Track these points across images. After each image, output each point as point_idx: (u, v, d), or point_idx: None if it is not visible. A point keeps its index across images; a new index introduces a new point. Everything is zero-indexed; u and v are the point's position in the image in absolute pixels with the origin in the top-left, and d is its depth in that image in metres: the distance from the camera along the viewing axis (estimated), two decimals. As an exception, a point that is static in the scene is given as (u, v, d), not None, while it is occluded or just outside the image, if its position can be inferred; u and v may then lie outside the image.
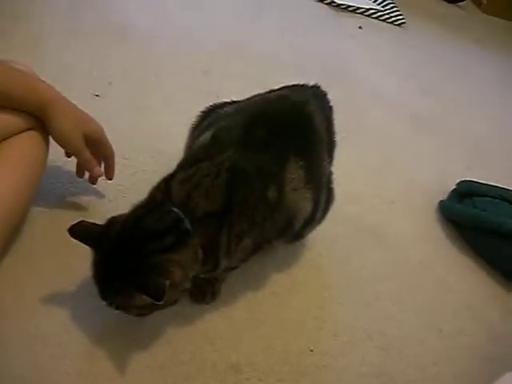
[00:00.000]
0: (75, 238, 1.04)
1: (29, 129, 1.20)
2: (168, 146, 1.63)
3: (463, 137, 2.33)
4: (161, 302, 0.96)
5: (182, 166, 1.16)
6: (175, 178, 1.10)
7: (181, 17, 2.38)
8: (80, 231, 1.05)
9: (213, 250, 1.07)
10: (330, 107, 1.39)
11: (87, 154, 1.27)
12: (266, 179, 1.13)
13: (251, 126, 1.18)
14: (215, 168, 1.09)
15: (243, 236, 1.11)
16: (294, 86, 1.40)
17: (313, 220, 1.31)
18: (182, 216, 1.03)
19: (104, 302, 1.04)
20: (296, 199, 1.19)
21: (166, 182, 1.11)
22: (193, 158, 1.16)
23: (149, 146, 1.63)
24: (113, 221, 1.05)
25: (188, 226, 1.03)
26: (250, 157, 1.13)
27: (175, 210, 1.04)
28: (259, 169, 1.12)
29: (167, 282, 0.96)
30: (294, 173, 1.18)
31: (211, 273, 1.15)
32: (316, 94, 1.37)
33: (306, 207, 1.23)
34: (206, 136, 1.20)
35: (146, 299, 0.97)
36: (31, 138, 1.20)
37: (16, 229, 1.23)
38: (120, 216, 1.06)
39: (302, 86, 1.40)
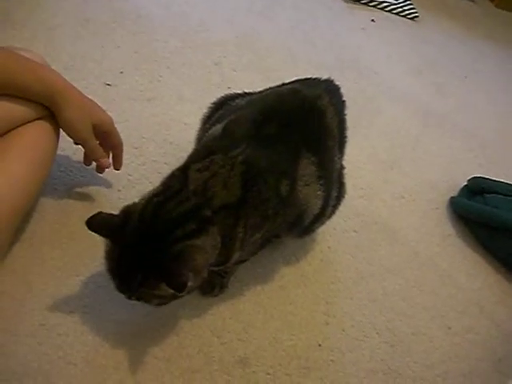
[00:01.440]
0: (93, 231, 1.01)
1: (39, 118, 1.19)
2: (179, 137, 1.62)
3: (475, 133, 2.32)
4: (183, 294, 0.96)
5: (194, 158, 1.14)
6: (191, 168, 1.09)
7: (194, 8, 2.37)
8: (97, 223, 1.02)
9: (228, 241, 1.06)
10: (343, 102, 1.37)
11: (94, 143, 1.26)
12: (278, 174, 1.12)
13: (263, 122, 1.17)
14: (230, 160, 1.08)
15: (256, 229, 1.10)
16: (306, 79, 1.39)
17: (323, 215, 1.31)
18: (202, 203, 1.02)
19: (123, 295, 1.02)
20: (307, 195, 1.18)
21: (182, 171, 1.10)
22: (205, 150, 1.14)
23: (159, 137, 1.62)
24: (128, 210, 1.03)
25: (208, 212, 1.02)
26: (263, 152, 1.11)
27: (194, 197, 1.03)
28: (272, 163, 1.11)
29: (191, 274, 0.95)
30: (306, 169, 1.17)
31: (221, 266, 1.14)
32: (329, 88, 1.36)
33: (317, 203, 1.22)
34: (218, 128, 1.19)
35: (168, 289, 0.96)
36: (41, 128, 1.19)
37: (25, 217, 1.23)
38: (135, 205, 1.04)
39: (315, 79, 1.38)
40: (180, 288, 0.94)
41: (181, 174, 1.09)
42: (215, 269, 1.15)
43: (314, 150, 1.19)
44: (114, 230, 1.00)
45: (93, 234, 1.00)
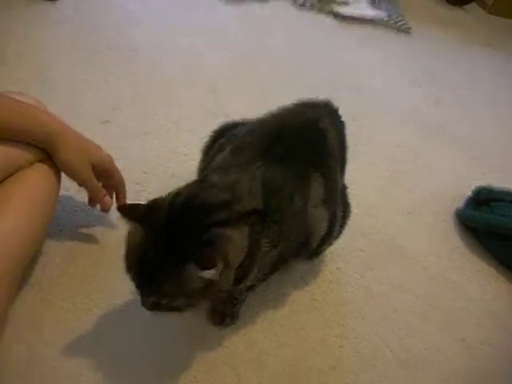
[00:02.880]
0: (123, 215, 0.99)
1: (39, 162, 1.20)
2: (179, 168, 1.63)
3: (476, 142, 2.31)
4: (211, 270, 0.92)
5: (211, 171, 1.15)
6: (212, 175, 1.09)
7: (185, 38, 2.39)
8: (127, 208, 1.03)
9: (253, 250, 1.04)
10: (342, 122, 1.38)
11: (95, 184, 1.27)
12: (292, 190, 1.12)
13: (271, 143, 1.17)
14: (249, 173, 1.08)
15: (273, 244, 1.09)
16: (305, 102, 1.39)
17: (330, 236, 1.31)
18: (234, 199, 1.01)
19: (143, 297, 0.98)
20: (315, 217, 1.19)
21: (204, 177, 1.10)
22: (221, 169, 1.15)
23: (160, 170, 1.63)
24: (157, 201, 1.02)
25: (241, 208, 1.01)
26: (276, 169, 1.11)
27: (225, 193, 1.02)
28: (286, 180, 1.11)
29: (219, 265, 0.94)
30: (314, 190, 1.18)
31: (237, 284, 1.11)
32: (328, 109, 1.37)
33: (323, 226, 1.23)
34: (224, 154, 1.20)
35: (194, 279, 0.94)
36: (40, 171, 1.20)
37: (33, 261, 1.23)
38: (163, 197, 1.03)
39: (314, 101, 1.39)
40: (209, 263, 0.92)
41: (204, 178, 1.10)
42: (228, 290, 1.13)
43: (321, 171, 1.20)
44: (143, 215, 0.99)
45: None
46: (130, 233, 1.00)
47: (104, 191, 1.31)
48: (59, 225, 1.38)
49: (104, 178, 1.30)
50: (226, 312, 1.28)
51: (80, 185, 1.27)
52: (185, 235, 0.96)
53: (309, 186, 1.17)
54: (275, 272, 1.23)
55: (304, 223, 1.17)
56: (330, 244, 1.38)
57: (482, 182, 1.92)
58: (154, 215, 0.98)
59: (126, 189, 1.37)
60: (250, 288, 1.24)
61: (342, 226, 1.38)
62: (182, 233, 0.96)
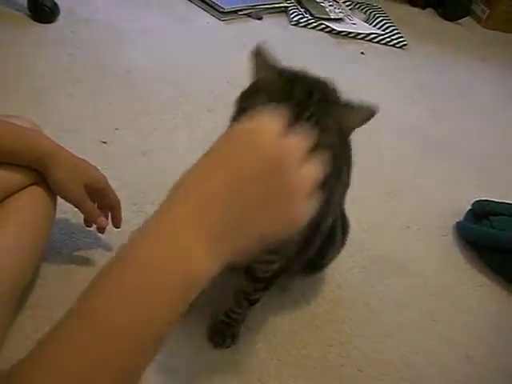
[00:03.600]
0: None
1: (32, 184, 1.19)
2: (177, 188, 1.62)
3: (474, 155, 2.32)
4: None
5: None
6: None
7: (182, 57, 2.40)
8: None
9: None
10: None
11: (89, 204, 1.25)
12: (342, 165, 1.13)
13: None
14: None
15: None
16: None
17: (332, 245, 1.32)
18: None
19: None
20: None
21: None
22: None
23: (158, 192, 1.60)
24: None
25: None
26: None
27: None
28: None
29: None
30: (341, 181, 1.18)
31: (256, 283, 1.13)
32: None
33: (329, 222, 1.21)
34: None
35: None
36: (36, 194, 1.19)
37: (28, 285, 1.22)
38: None
39: None
40: None
41: None
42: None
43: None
44: None
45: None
46: None
47: (98, 211, 1.30)
48: (56, 247, 1.36)
49: (98, 198, 1.29)
50: (226, 333, 1.27)
51: (74, 205, 1.26)
52: None
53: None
54: (277, 278, 1.22)
55: (327, 203, 1.13)
56: (334, 256, 1.37)
57: (482, 195, 1.92)
58: None
59: (124, 209, 1.36)
60: (251, 302, 1.23)
61: (343, 239, 1.37)
62: None
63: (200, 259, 0.57)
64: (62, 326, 0.54)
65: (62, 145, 1.19)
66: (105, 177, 1.28)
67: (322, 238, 1.23)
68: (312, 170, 0.62)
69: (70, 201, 1.23)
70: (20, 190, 1.17)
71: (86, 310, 0.55)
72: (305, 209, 0.61)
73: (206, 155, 0.64)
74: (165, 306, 0.55)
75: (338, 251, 1.38)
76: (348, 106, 1.04)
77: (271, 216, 0.61)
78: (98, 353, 0.51)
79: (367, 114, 1.03)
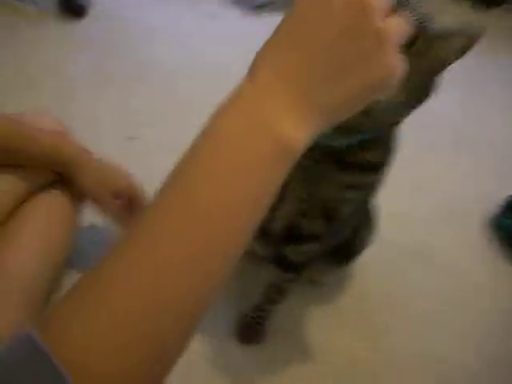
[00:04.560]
0: None
1: (56, 186, 1.17)
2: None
3: (502, 150, 2.26)
4: None
5: None
6: None
7: (207, 51, 2.41)
8: None
9: None
10: None
11: (115, 209, 1.22)
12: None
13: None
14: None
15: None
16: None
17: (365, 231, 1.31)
18: None
19: None
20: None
21: None
22: None
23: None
24: None
25: None
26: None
27: None
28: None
29: None
30: None
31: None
32: None
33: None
34: None
35: None
36: (58, 196, 1.17)
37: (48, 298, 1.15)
38: None
39: None
40: None
41: None
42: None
43: None
44: None
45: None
46: None
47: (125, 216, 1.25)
48: (80, 256, 1.28)
49: (126, 202, 1.24)
50: (256, 329, 1.28)
51: (101, 211, 1.23)
52: None
53: None
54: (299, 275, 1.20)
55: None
56: (367, 242, 1.34)
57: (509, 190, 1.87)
58: None
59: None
60: (281, 295, 1.23)
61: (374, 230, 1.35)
62: None
63: (290, 126, 0.51)
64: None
65: (90, 143, 1.19)
66: (130, 180, 1.23)
67: (358, 220, 1.23)
68: (397, 23, 0.54)
69: (95, 207, 1.21)
70: (39, 192, 1.15)
71: (185, 185, 0.53)
72: (397, 58, 0.53)
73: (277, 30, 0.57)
74: (261, 177, 0.51)
75: (370, 241, 1.35)
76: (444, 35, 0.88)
77: (363, 68, 0.52)
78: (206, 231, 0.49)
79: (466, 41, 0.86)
